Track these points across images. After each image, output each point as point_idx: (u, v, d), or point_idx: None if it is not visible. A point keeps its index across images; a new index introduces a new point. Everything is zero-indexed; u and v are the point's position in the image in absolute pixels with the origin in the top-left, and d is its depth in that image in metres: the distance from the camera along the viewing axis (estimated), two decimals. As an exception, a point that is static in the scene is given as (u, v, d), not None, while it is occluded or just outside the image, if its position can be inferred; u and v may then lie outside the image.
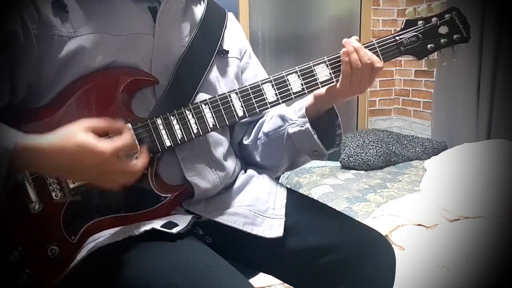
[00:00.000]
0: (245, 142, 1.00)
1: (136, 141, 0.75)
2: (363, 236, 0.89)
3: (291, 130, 0.90)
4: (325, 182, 2.42)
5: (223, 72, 0.92)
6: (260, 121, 0.99)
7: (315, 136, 0.88)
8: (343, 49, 0.83)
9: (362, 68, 0.81)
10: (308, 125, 0.88)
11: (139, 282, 0.69)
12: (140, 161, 0.71)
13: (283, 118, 0.93)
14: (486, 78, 2.48)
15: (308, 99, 0.91)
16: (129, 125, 0.77)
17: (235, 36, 0.97)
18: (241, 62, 0.99)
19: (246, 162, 1.02)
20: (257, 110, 0.83)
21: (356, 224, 0.93)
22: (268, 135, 0.95)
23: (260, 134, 0.97)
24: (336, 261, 0.86)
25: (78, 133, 0.66)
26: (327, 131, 0.92)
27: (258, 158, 0.99)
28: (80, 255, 0.73)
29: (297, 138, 0.90)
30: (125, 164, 0.69)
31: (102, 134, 0.69)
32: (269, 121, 0.96)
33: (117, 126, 0.72)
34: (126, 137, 0.70)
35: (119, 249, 0.73)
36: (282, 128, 0.92)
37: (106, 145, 0.66)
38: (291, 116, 0.91)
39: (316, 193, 2.29)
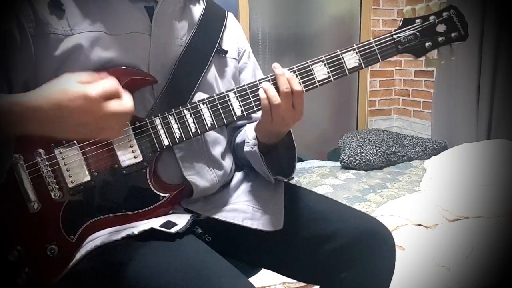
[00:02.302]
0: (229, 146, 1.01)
1: (119, 84, 0.67)
2: (362, 223, 0.88)
3: (245, 148, 0.90)
4: (325, 182, 2.42)
5: (221, 72, 0.92)
6: (240, 128, 1.00)
7: (262, 161, 0.88)
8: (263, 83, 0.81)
9: (282, 97, 0.79)
10: (256, 148, 0.87)
11: (138, 282, 0.69)
12: (126, 98, 0.66)
13: (246, 134, 0.92)
14: (486, 78, 2.48)
15: None
16: (128, 124, 0.77)
17: (234, 36, 0.97)
18: (240, 63, 0.99)
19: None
20: (255, 109, 0.83)
21: (355, 212, 0.93)
22: (237, 145, 0.97)
23: (234, 143, 0.99)
24: (336, 250, 0.86)
25: (68, 82, 0.63)
26: (289, 158, 0.92)
27: (239, 163, 1.00)
28: (79, 255, 0.74)
29: (249, 157, 0.91)
30: (115, 105, 0.64)
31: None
32: (241, 133, 0.97)
33: (100, 75, 0.67)
34: (110, 81, 0.66)
35: (118, 248, 0.73)
36: (243, 143, 0.92)
37: (91, 87, 0.63)
38: (249, 134, 0.90)
39: (316, 193, 2.29)
